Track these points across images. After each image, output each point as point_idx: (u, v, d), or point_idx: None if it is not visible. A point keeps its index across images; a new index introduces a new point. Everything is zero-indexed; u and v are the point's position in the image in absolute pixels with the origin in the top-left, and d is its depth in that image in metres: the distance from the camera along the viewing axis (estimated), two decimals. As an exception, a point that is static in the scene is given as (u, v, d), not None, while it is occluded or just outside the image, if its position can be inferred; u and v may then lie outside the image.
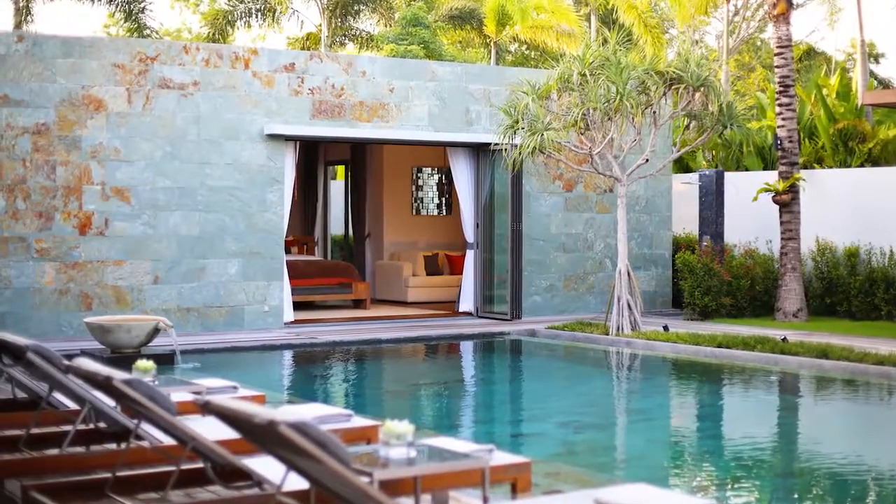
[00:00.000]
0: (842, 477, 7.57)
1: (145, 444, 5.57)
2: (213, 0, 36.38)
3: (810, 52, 35.47)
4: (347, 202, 21.16)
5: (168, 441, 5.45)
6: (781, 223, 16.09)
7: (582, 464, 7.68)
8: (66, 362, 5.58)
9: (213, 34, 29.96)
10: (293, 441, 3.77)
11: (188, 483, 5.03)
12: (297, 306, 15.91)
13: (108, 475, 5.00)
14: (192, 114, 14.22)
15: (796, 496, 7.10)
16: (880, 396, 10.91)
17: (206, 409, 4.16)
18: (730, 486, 7.22)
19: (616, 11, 29.70)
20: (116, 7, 27.52)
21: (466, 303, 16.66)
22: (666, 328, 14.02)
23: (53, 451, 5.71)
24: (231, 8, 30.23)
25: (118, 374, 4.91)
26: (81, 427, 5.85)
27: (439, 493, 4.91)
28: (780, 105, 16.31)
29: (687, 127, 15.09)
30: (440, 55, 26.80)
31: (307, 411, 6.10)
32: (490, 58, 31.49)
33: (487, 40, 31.11)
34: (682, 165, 20.72)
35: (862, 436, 9.35)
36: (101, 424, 5.93)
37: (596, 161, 14.36)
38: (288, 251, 17.97)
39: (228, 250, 14.48)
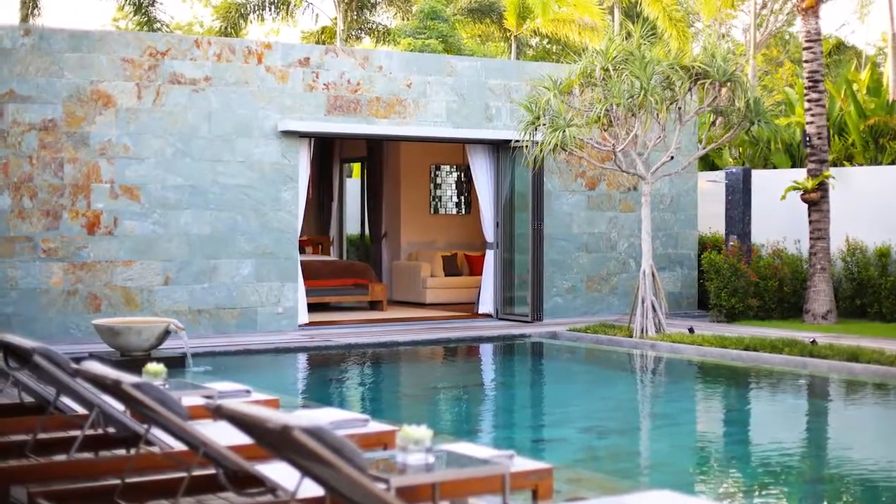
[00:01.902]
0: (872, 483, 7.44)
1: (155, 449, 5.54)
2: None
3: (840, 47, 35.24)
4: (364, 201, 21.00)
5: (179, 446, 5.44)
6: (810, 222, 15.90)
7: (605, 470, 7.60)
8: (73, 365, 5.53)
9: (226, 28, 29.97)
10: (308, 446, 3.76)
11: (199, 490, 5.00)
12: (312, 308, 15.80)
13: (117, 481, 4.97)
14: (203, 110, 14.04)
15: (825, 503, 6.98)
16: (913, 400, 10.75)
17: (218, 413, 4.15)
18: (757, 493, 7.09)
19: (640, 4, 29.59)
20: (126, 0, 27.44)
21: (486, 304, 16.49)
22: (691, 330, 13.85)
23: (61, 457, 5.68)
24: (244, 1, 30.17)
25: (127, 378, 4.87)
26: (90, 432, 5.82)
27: (458, 501, 4.85)
28: (808, 101, 16.09)
29: (713, 123, 14.89)
30: (459, 49, 26.67)
31: (322, 416, 6.10)
32: (510, 52, 31.41)
33: (508, 34, 31.04)
34: (708, 163, 20.53)
35: (893, 441, 9.19)
36: (110, 429, 5.91)
37: (619, 158, 14.17)
38: (302, 251, 17.85)
39: (241, 250, 14.29)
